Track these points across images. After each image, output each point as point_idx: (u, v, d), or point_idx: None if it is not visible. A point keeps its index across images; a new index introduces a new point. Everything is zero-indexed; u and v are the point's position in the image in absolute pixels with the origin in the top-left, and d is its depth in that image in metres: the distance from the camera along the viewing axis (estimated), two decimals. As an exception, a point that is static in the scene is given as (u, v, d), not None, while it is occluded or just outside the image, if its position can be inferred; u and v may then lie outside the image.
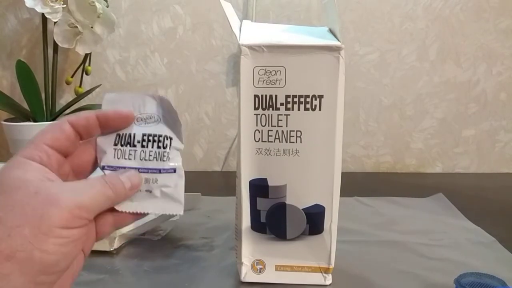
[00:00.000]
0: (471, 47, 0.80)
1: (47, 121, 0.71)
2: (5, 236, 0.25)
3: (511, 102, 0.83)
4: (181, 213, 0.33)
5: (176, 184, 0.33)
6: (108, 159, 0.33)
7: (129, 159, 0.33)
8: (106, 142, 0.34)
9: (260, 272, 0.42)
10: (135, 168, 0.33)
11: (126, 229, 0.49)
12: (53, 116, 0.72)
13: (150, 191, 0.33)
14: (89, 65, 0.75)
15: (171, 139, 0.34)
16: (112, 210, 0.31)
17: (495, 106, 0.83)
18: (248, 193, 0.40)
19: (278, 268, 0.42)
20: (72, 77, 0.76)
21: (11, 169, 0.28)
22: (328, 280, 0.41)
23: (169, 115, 0.35)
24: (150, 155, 0.34)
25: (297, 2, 0.79)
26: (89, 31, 0.68)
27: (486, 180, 0.79)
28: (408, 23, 0.80)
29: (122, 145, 0.34)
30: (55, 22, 0.66)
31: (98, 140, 0.34)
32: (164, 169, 0.33)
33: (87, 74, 0.76)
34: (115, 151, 0.34)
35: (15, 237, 0.25)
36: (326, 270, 0.41)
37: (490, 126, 0.84)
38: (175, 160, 0.34)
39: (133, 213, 0.33)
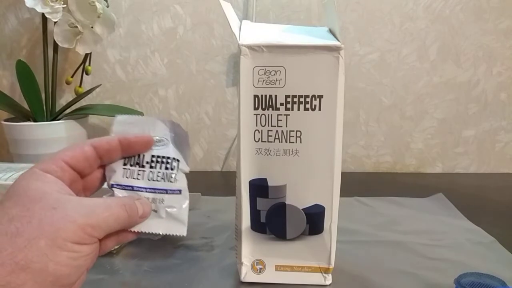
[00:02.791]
0: (471, 47, 0.80)
1: (47, 121, 0.71)
2: (21, 247, 0.25)
3: (511, 102, 0.83)
4: (184, 234, 0.35)
5: (181, 205, 0.35)
6: (118, 177, 0.35)
7: (138, 178, 0.35)
8: (116, 162, 0.35)
9: (260, 272, 0.42)
10: (143, 188, 0.35)
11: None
12: (53, 116, 0.72)
13: (156, 211, 0.35)
14: (89, 65, 0.75)
15: (178, 161, 0.36)
16: None
17: (495, 106, 0.83)
18: (248, 193, 0.40)
19: (278, 268, 0.42)
20: (72, 77, 0.76)
21: (29, 180, 0.29)
22: (328, 280, 0.41)
23: (178, 139, 0.37)
24: (158, 176, 0.35)
25: (297, 2, 0.79)
26: (89, 31, 0.68)
27: (486, 180, 0.79)
28: (408, 23, 0.80)
29: (131, 165, 0.35)
30: (55, 22, 0.66)
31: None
32: (171, 190, 0.35)
33: (87, 74, 0.76)
34: (124, 170, 0.35)
35: (32, 248, 0.26)
36: (326, 270, 0.41)
37: (490, 126, 0.84)
38: (181, 182, 0.36)
39: (137, 232, 0.34)
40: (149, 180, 0.35)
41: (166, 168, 0.35)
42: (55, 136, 0.68)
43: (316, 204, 0.39)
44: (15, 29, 0.81)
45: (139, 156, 0.35)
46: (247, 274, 0.42)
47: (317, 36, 0.38)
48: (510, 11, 0.79)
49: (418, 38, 0.80)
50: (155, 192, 0.35)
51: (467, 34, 0.80)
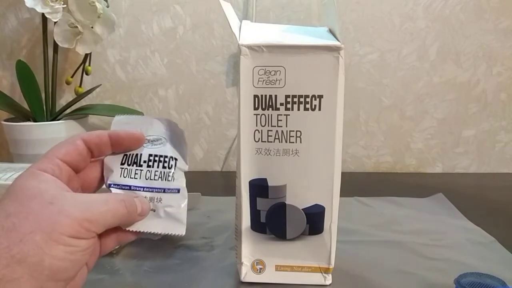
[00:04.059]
0: (471, 47, 0.80)
1: (47, 121, 0.71)
2: (17, 241, 0.25)
3: (511, 102, 0.83)
4: (183, 233, 0.34)
5: (179, 204, 0.35)
6: (115, 177, 0.35)
7: (135, 178, 0.35)
8: (113, 162, 0.35)
9: (260, 272, 0.42)
10: (141, 187, 0.35)
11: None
12: (53, 116, 0.73)
13: (154, 210, 0.34)
14: (89, 65, 0.75)
15: (176, 160, 0.36)
16: (116, 227, 0.33)
17: (495, 106, 0.83)
18: (248, 193, 0.40)
19: (278, 268, 0.42)
20: (72, 77, 0.76)
21: (26, 179, 0.29)
22: (328, 280, 0.41)
23: (175, 137, 0.36)
24: (155, 175, 0.35)
25: (297, 2, 0.79)
26: (89, 31, 0.68)
27: (486, 180, 0.79)
28: (408, 23, 0.80)
29: (128, 165, 0.35)
30: (55, 22, 0.66)
31: (105, 159, 0.35)
32: (168, 189, 0.35)
33: (87, 74, 0.76)
34: (121, 170, 0.35)
35: (27, 242, 0.26)
36: (326, 270, 0.41)
37: (490, 126, 0.84)
38: (179, 181, 0.35)
39: (136, 232, 0.34)
40: (146, 179, 0.35)
41: (164, 167, 0.35)
42: (55, 136, 0.68)
43: (316, 204, 0.39)
44: (15, 29, 0.81)
45: (136, 155, 0.35)
46: (247, 274, 0.42)
47: (317, 36, 0.38)
48: (510, 11, 0.79)
49: (418, 38, 0.80)
50: (152, 191, 0.35)
51: (467, 34, 0.80)
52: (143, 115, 0.74)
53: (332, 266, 0.41)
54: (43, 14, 0.65)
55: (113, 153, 0.35)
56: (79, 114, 0.74)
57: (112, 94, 0.84)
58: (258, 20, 0.79)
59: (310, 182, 0.39)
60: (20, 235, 0.26)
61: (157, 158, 0.35)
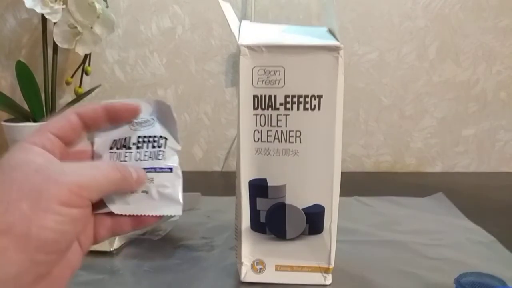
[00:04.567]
0: (470, 46, 0.80)
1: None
2: (2, 210, 0.24)
3: (511, 101, 0.83)
4: (180, 213, 0.32)
5: (174, 184, 0.33)
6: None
7: (125, 161, 0.33)
8: (102, 147, 0.34)
9: (260, 272, 0.42)
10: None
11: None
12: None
13: (147, 192, 0.32)
14: (89, 65, 0.75)
15: (166, 139, 0.34)
16: (110, 214, 0.31)
17: (495, 105, 0.83)
18: (248, 193, 0.40)
19: (278, 268, 0.42)
20: (72, 77, 0.76)
21: (14, 152, 0.28)
22: (328, 280, 0.41)
23: (165, 118, 0.34)
24: (145, 155, 0.33)
25: (296, 2, 0.79)
26: (89, 31, 0.68)
27: (486, 179, 0.79)
28: (407, 23, 0.80)
29: (118, 149, 0.33)
30: (54, 23, 0.66)
31: (94, 146, 0.34)
32: (159, 168, 0.33)
33: (86, 74, 0.76)
34: (111, 154, 0.33)
35: (13, 212, 0.24)
36: (326, 270, 0.41)
37: (490, 126, 0.84)
38: (171, 160, 0.33)
39: (131, 218, 0.32)
40: (136, 160, 0.33)
41: (153, 147, 0.33)
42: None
43: (316, 204, 0.39)
44: (14, 29, 0.81)
45: (125, 139, 0.34)
46: (247, 274, 0.42)
47: (316, 36, 0.38)
48: (509, 10, 0.79)
49: (418, 37, 0.80)
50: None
51: (466, 33, 0.80)
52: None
53: (332, 266, 0.41)
54: (42, 14, 0.65)
55: (102, 139, 0.34)
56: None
57: (111, 94, 0.83)
58: (257, 20, 0.79)
59: (310, 182, 0.39)
60: (4, 204, 0.24)
61: (146, 139, 0.34)
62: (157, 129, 0.34)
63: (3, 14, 0.81)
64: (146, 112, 0.34)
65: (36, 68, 0.75)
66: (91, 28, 0.67)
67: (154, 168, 0.33)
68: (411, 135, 0.84)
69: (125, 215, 0.32)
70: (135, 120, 0.34)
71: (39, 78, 0.71)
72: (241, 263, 0.41)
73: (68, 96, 0.83)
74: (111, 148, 0.34)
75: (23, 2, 0.62)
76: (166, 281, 0.43)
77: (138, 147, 0.33)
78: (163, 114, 0.34)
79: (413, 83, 0.82)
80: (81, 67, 0.75)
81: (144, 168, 0.32)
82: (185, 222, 0.56)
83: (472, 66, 0.81)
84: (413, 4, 0.79)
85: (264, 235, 0.41)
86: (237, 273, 0.43)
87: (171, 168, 0.33)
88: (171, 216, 0.50)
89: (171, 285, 0.42)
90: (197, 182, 0.73)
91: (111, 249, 0.48)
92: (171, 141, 0.34)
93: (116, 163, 0.31)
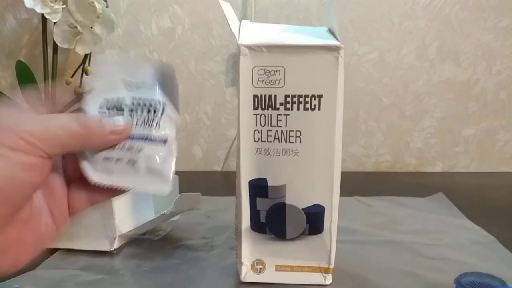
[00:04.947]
0: (470, 46, 0.80)
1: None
2: None
3: (510, 101, 0.83)
4: (165, 193, 0.28)
5: (165, 158, 0.28)
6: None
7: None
8: (90, 105, 0.30)
9: (260, 272, 0.42)
10: None
11: (126, 229, 0.49)
12: (53, 116, 0.72)
13: (134, 162, 0.28)
14: (89, 65, 0.75)
15: (164, 104, 0.29)
16: (86, 184, 0.28)
17: (495, 105, 0.83)
18: (248, 193, 0.40)
19: (278, 268, 0.42)
20: (72, 77, 0.76)
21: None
22: (328, 280, 0.41)
23: (166, 82, 0.30)
24: (138, 120, 0.29)
25: (296, 2, 0.79)
26: (89, 31, 0.68)
27: (486, 179, 0.79)
28: (407, 23, 0.80)
29: (108, 109, 0.29)
30: (54, 23, 0.66)
31: (83, 104, 0.30)
32: (151, 137, 0.28)
33: (86, 74, 0.76)
34: (99, 113, 0.29)
35: None
36: (326, 270, 0.41)
37: (490, 125, 0.84)
38: (166, 130, 0.29)
39: (110, 189, 0.28)
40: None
41: (148, 111, 0.29)
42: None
43: (316, 204, 0.39)
44: (14, 29, 0.81)
45: (118, 98, 0.30)
46: (247, 274, 0.42)
47: (316, 36, 0.38)
48: (509, 10, 0.79)
49: (417, 37, 0.80)
50: (132, 139, 0.28)
51: (466, 33, 0.80)
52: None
53: (332, 266, 0.41)
54: (42, 14, 0.65)
55: (92, 95, 0.30)
56: (79, 114, 0.73)
57: (111, 94, 0.83)
58: (257, 20, 0.79)
59: (310, 182, 0.39)
60: None
61: (141, 102, 0.29)
62: (155, 93, 0.30)
63: (3, 14, 0.81)
64: (145, 72, 0.30)
65: (36, 68, 0.75)
66: (91, 28, 0.67)
67: (146, 136, 0.28)
68: (411, 135, 0.84)
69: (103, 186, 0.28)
70: (131, 79, 0.30)
71: (39, 78, 0.71)
72: (241, 263, 0.41)
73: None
74: (100, 107, 0.29)
75: (23, 2, 0.62)
76: (166, 281, 0.43)
77: (131, 110, 0.29)
78: (165, 78, 0.30)
79: (413, 83, 0.82)
80: (81, 67, 0.75)
81: (134, 135, 0.28)
82: (185, 222, 0.56)
83: (472, 66, 0.81)
84: (413, 4, 0.79)
85: (264, 235, 0.41)
86: (237, 273, 0.43)
87: (165, 140, 0.29)
88: (170, 216, 0.50)
89: (171, 285, 0.42)
90: (197, 182, 0.73)
91: (111, 249, 0.48)
92: (169, 108, 0.30)
93: (79, 115, 0.27)
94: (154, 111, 0.29)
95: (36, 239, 0.27)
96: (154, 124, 0.29)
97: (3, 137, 0.24)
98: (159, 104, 0.29)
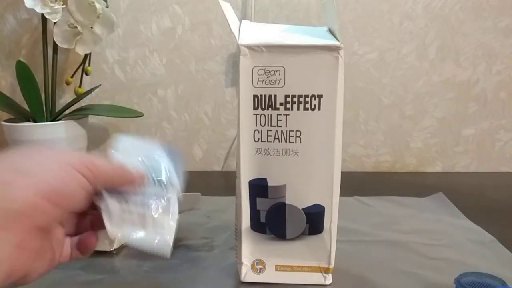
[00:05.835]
0: (470, 46, 0.80)
1: (47, 121, 0.71)
2: (27, 159, 0.28)
3: (510, 101, 0.83)
4: (168, 256, 0.33)
5: (170, 227, 0.35)
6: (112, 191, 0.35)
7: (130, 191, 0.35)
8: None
9: (260, 272, 0.42)
10: (133, 203, 0.35)
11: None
12: (53, 116, 0.72)
13: (143, 216, 0.34)
14: (89, 65, 0.75)
15: (170, 181, 0.36)
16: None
17: (495, 105, 0.83)
18: (248, 193, 0.40)
19: (278, 268, 0.42)
20: (72, 77, 0.76)
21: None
22: (328, 280, 0.41)
23: (176, 162, 0.37)
24: (148, 194, 0.35)
25: (296, 2, 0.79)
26: (89, 31, 0.68)
27: (486, 179, 0.79)
28: (407, 22, 0.80)
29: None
30: (54, 23, 0.66)
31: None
32: (159, 199, 0.35)
33: (87, 74, 0.76)
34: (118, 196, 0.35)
35: (39, 165, 0.28)
36: (326, 270, 0.41)
37: (490, 125, 0.84)
38: (171, 202, 0.36)
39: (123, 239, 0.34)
40: (138, 196, 0.35)
41: (157, 187, 0.36)
42: (55, 137, 0.68)
43: (316, 204, 0.39)
44: (14, 29, 0.81)
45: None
46: (247, 274, 0.42)
47: (316, 36, 0.38)
48: (509, 9, 0.79)
49: (417, 37, 0.80)
50: (144, 208, 0.35)
51: (466, 33, 0.80)
52: (143, 115, 0.74)
53: (332, 266, 0.41)
54: (42, 14, 0.65)
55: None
56: (79, 114, 0.74)
57: (111, 94, 0.83)
58: (257, 20, 0.79)
59: (310, 182, 0.39)
60: (35, 162, 0.28)
61: (153, 175, 0.36)
62: (164, 171, 0.37)
63: (3, 14, 0.81)
64: (158, 153, 0.38)
65: (36, 68, 0.75)
66: (91, 28, 0.67)
67: (154, 198, 0.35)
68: (411, 135, 0.84)
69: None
70: (146, 158, 0.37)
71: (39, 78, 0.71)
72: (241, 263, 0.41)
73: (68, 96, 0.83)
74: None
75: (23, 2, 0.62)
76: (166, 281, 0.43)
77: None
78: (173, 156, 0.38)
79: (413, 83, 0.82)
80: (81, 67, 0.75)
81: (145, 205, 0.35)
82: (185, 222, 0.56)
83: (472, 66, 0.81)
84: (413, 4, 0.79)
85: (264, 235, 0.41)
86: (237, 273, 0.43)
87: (170, 210, 0.35)
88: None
89: (171, 285, 0.42)
90: (197, 182, 0.73)
91: (111, 249, 0.48)
92: (174, 184, 0.36)
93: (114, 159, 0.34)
94: (163, 186, 0.36)
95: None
96: (161, 197, 0.35)
97: (70, 156, 0.29)
98: (166, 180, 0.36)
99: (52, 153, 0.30)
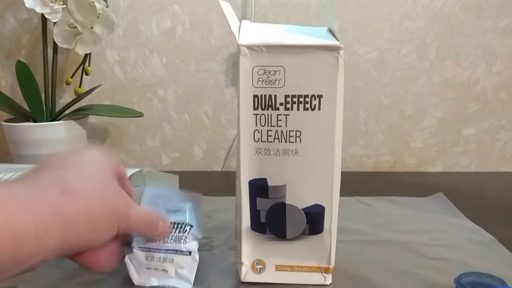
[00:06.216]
0: (470, 46, 0.80)
1: (47, 121, 0.71)
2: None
3: (510, 101, 0.83)
4: None
5: (190, 266, 0.40)
6: (139, 241, 0.40)
7: (155, 241, 0.40)
8: None
9: (260, 272, 0.42)
10: (157, 249, 0.40)
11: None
12: (53, 116, 0.72)
13: (166, 271, 0.39)
14: (89, 65, 0.75)
15: (191, 226, 0.41)
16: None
17: (495, 105, 0.83)
18: (248, 193, 0.40)
19: (278, 268, 0.42)
20: (72, 77, 0.76)
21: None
22: (328, 280, 0.41)
23: (197, 209, 0.42)
24: (171, 238, 0.40)
25: (296, 2, 0.79)
26: (89, 31, 0.68)
27: (486, 179, 0.79)
28: (407, 22, 0.80)
29: None
30: (54, 23, 0.66)
31: None
32: (180, 251, 0.39)
33: (87, 74, 0.76)
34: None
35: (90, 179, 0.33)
36: (326, 270, 0.41)
37: (490, 125, 0.84)
38: (192, 245, 0.40)
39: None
40: (163, 242, 0.40)
41: (179, 232, 0.40)
42: (55, 137, 0.68)
43: (316, 204, 0.39)
44: (14, 29, 0.81)
45: None
46: (247, 274, 0.42)
47: (316, 36, 0.38)
48: (509, 9, 0.79)
49: (417, 37, 0.80)
50: (166, 252, 0.39)
51: (466, 33, 0.80)
52: (143, 115, 0.74)
53: (332, 266, 0.41)
54: (42, 14, 0.65)
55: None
56: (79, 114, 0.74)
57: (111, 94, 0.83)
58: (257, 20, 0.79)
59: (310, 182, 0.39)
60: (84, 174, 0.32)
61: (174, 225, 0.40)
62: (185, 217, 0.41)
63: (3, 14, 0.81)
64: (181, 203, 0.42)
65: (36, 68, 0.75)
66: (91, 28, 0.67)
67: (176, 250, 0.40)
68: (411, 135, 0.84)
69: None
70: (171, 208, 0.41)
71: (39, 78, 0.71)
72: (241, 263, 0.41)
73: (68, 96, 0.83)
74: None
75: (23, 2, 0.62)
76: (166, 281, 0.43)
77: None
78: (195, 205, 0.43)
79: (413, 83, 0.82)
80: (81, 67, 0.75)
81: (168, 250, 0.40)
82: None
83: (472, 66, 0.81)
84: (413, 4, 0.79)
85: (264, 235, 0.41)
86: (237, 273, 0.43)
87: (190, 252, 0.40)
88: None
89: (171, 285, 0.42)
90: (197, 182, 0.73)
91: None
92: (195, 229, 0.41)
93: (158, 215, 0.39)
94: (184, 231, 0.40)
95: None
96: (182, 241, 0.40)
97: (116, 196, 0.34)
98: (188, 225, 0.41)
99: (100, 178, 0.33)
